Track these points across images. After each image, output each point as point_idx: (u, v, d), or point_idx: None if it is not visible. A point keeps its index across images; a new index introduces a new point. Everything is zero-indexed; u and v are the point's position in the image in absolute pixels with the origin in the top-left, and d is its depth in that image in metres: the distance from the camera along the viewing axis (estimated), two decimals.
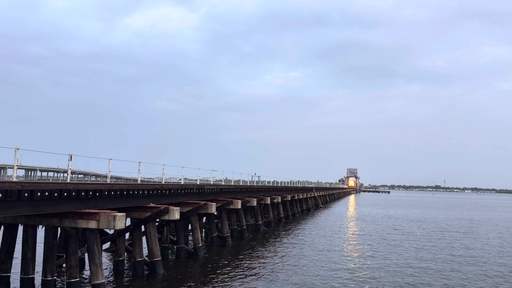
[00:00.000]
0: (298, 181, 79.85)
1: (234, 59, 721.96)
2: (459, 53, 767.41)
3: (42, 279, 16.82)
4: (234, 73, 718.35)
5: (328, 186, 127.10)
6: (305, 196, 70.63)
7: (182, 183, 29.35)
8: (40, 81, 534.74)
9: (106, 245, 25.63)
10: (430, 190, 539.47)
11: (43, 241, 17.20)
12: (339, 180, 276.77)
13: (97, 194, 17.25)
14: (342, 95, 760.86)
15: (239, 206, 33.63)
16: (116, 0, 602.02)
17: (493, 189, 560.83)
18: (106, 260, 23.40)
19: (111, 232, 22.38)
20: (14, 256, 17.86)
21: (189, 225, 30.20)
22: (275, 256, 26.93)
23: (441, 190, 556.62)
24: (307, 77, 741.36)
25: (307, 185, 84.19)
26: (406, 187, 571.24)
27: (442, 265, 25.52)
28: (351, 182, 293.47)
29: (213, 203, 27.99)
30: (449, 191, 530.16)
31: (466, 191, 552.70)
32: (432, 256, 28.65)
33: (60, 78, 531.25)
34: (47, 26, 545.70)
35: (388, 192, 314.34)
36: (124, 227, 17.71)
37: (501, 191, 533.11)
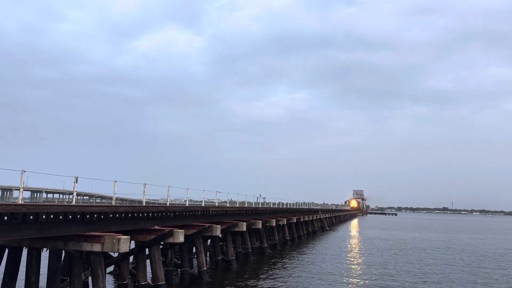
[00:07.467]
0: (304, 202, 79.20)
1: (239, 81, 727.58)
2: (464, 74, 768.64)
3: None
4: (239, 95, 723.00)
5: (334, 208, 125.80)
6: (311, 218, 69.94)
7: (187, 205, 29.26)
8: (50, 103, 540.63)
9: (110, 268, 25.43)
10: (438, 212, 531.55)
11: (47, 264, 17.11)
12: (345, 202, 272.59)
13: (102, 216, 17.25)
14: (347, 116, 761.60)
15: (244, 229, 33.37)
16: (123, 24, 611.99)
17: (501, 211, 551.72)
18: (109, 284, 23.16)
19: (115, 255, 22.23)
20: (18, 279, 17.74)
21: (194, 248, 29.94)
22: (280, 280, 26.53)
23: (449, 212, 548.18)
24: (312, 98, 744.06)
25: (313, 207, 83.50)
26: (413, 209, 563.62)
27: None
28: (354, 203, 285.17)
29: (218, 226, 27.81)
30: (457, 213, 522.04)
31: (474, 213, 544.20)
32: None
33: (69, 100, 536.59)
34: (56, 50, 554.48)
35: (395, 214, 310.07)
36: (128, 250, 17.62)
37: (510, 213, 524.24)
